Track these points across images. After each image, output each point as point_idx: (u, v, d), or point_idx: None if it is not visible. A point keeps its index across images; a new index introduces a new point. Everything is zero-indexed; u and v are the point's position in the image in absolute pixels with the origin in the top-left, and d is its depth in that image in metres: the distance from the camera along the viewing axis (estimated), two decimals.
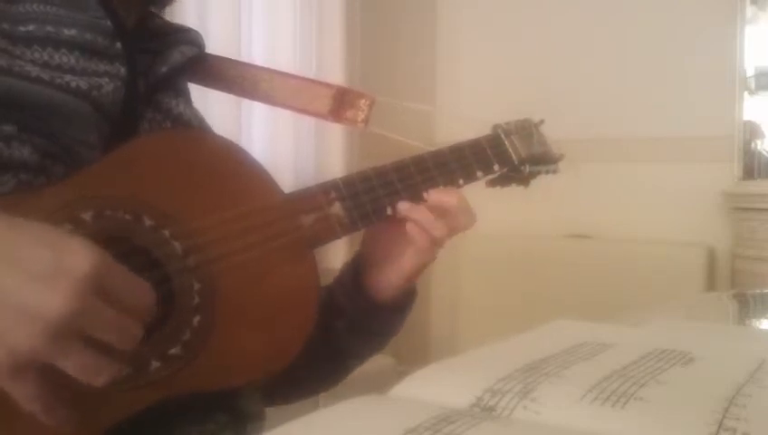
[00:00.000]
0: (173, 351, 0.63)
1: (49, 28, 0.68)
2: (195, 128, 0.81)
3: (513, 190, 0.92)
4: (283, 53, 2.32)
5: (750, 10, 2.60)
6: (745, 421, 0.37)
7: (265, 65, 0.96)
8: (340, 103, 0.84)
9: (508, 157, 0.86)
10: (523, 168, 0.88)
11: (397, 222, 0.78)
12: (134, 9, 0.77)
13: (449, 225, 0.77)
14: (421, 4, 3.12)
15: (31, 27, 0.67)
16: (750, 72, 2.60)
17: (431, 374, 0.44)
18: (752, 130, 2.61)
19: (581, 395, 0.40)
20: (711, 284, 2.55)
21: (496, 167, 0.85)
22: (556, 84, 2.81)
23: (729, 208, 2.53)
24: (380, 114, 0.85)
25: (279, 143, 2.31)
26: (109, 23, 0.72)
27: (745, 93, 2.60)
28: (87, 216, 0.63)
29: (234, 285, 0.67)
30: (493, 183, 0.89)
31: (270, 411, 0.78)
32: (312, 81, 0.88)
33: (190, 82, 0.85)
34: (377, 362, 1.01)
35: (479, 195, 0.85)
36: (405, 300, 0.83)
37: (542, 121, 0.92)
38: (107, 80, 0.70)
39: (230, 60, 0.86)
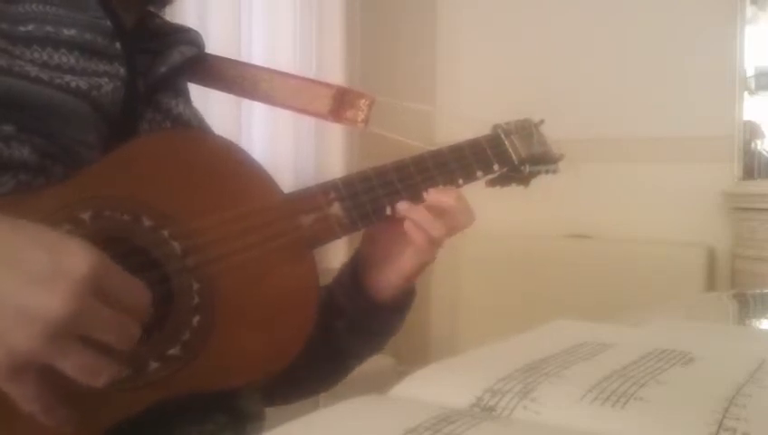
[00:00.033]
0: (172, 351, 0.63)
1: (48, 28, 0.68)
2: (194, 128, 0.81)
3: (513, 190, 0.92)
4: (283, 53, 2.32)
5: (750, 10, 2.60)
6: (745, 421, 0.37)
7: (265, 65, 0.96)
8: (340, 103, 0.84)
9: (508, 157, 0.86)
10: (522, 168, 0.88)
11: (396, 222, 0.77)
12: (133, 9, 0.77)
13: (448, 224, 0.77)
14: (421, 4, 3.12)
15: (30, 27, 0.67)
16: (750, 72, 2.60)
17: (431, 374, 0.44)
18: (752, 130, 2.61)
19: (581, 395, 0.40)
20: (711, 284, 2.55)
21: (496, 167, 0.85)
22: (556, 84, 2.81)
23: (729, 208, 2.53)
24: (380, 114, 0.85)
25: (279, 143, 2.31)
26: (108, 23, 0.72)
27: (745, 93, 2.60)
28: (86, 216, 0.62)
29: (233, 286, 0.67)
30: (493, 183, 0.89)
31: (270, 411, 0.78)
32: (312, 81, 0.88)
33: (190, 82, 0.85)
34: (377, 362, 1.01)
35: (479, 195, 0.85)
36: (404, 300, 0.83)
37: (542, 121, 0.92)
38: (106, 80, 0.69)
39: (230, 60, 0.86)
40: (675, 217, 2.65)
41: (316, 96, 0.84)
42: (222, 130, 0.81)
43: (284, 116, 2.23)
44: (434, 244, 0.77)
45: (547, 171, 0.92)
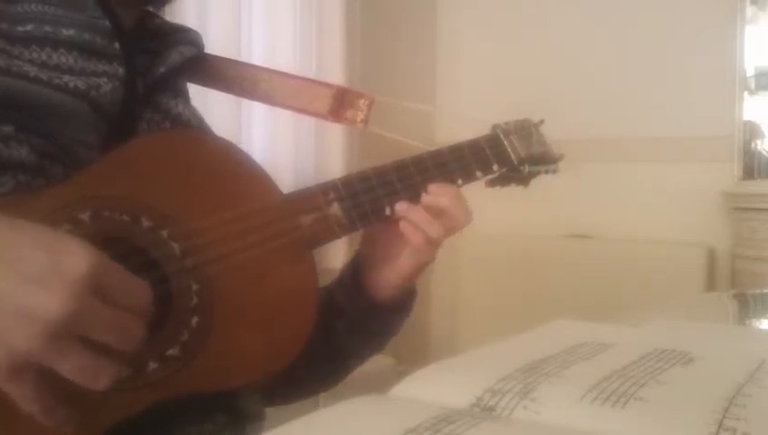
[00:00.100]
0: (171, 352, 0.63)
1: (47, 28, 0.68)
2: (194, 128, 0.80)
3: (513, 190, 0.92)
4: (283, 53, 2.32)
5: (750, 10, 2.60)
6: (745, 421, 0.37)
7: (265, 65, 0.96)
8: (340, 103, 0.84)
9: (507, 157, 0.86)
10: (522, 168, 0.88)
11: (395, 222, 0.77)
12: (132, 9, 0.77)
13: (446, 224, 0.77)
14: (421, 4, 3.12)
15: (29, 27, 0.67)
16: (750, 72, 2.60)
17: (431, 374, 0.44)
18: (752, 130, 2.61)
19: (581, 395, 0.40)
20: (711, 284, 2.55)
21: (495, 167, 0.85)
22: (556, 84, 2.81)
23: (729, 208, 2.53)
24: (380, 114, 0.85)
25: (279, 143, 2.31)
26: (107, 23, 0.72)
27: (745, 93, 2.60)
28: (85, 216, 0.62)
29: (232, 286, 0.67)
30: (492, 183, 0.89)
31: (270, 411, 0.78)
32: (312, 81, 0.88)
33: (189, 82, 0.84)
34: (377, 362, 1.01)
35: (478, 195, 0.85)
36: (405, 300, 0.83)
37: (541, 121, 0.92)
38: (105, 80, 0.69)
39: (229, 60, 0.86)
40: (675, 217, 2.65)
41: (316, 96, 0.84)
42: (222, 130, 0.81)
43: (284, 116, 2.23)
44: (432, 244, 0.77)
45: (547, 171, 0.92)
